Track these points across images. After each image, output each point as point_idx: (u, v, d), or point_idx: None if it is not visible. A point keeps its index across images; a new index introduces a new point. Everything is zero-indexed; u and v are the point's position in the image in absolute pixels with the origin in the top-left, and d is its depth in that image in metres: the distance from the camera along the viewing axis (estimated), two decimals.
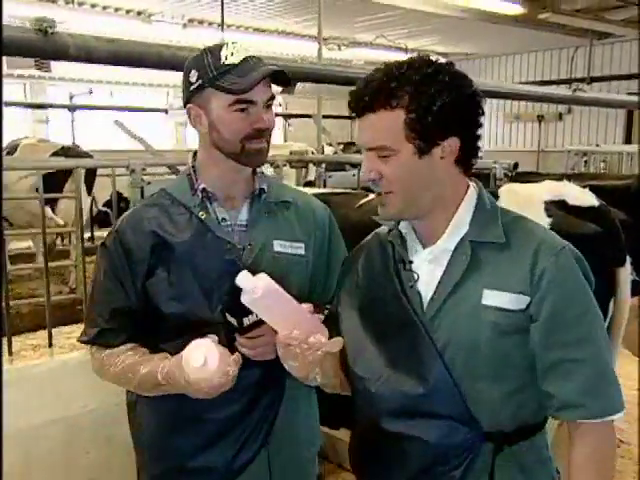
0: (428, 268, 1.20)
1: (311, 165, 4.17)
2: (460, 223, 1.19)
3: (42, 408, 2.39)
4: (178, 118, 11.31)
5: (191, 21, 8.52)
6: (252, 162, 1.41)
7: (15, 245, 5.47)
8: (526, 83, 9.28)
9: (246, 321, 1.27)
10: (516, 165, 3.38)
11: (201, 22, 8.58)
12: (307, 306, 1.24)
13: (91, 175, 5.29)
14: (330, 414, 1.66)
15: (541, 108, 11.01)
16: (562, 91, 5.61)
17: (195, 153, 1.48)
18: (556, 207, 2.16)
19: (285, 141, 10.26)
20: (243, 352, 1.30)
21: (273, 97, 1.38)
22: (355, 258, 1.35)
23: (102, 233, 5.09)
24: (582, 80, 7.62)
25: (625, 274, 2.10)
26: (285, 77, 1.38)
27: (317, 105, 4.38)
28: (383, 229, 1.32)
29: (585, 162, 6.93)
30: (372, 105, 1.12)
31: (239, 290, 1.19)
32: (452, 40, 10.37)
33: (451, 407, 1.15)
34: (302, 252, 1.47)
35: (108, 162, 3.22)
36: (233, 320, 1.29)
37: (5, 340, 2.69)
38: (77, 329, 2.68)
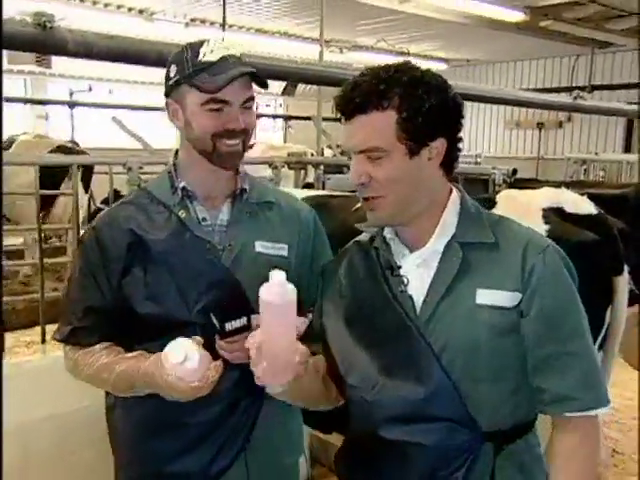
0: (417, 272, 1.19)
1: (310, 167, 4.17)
2: (447, 225, 1.20)
3: (36, 405, 2.37)
4: None
5: (193, 20, 8.53)
6: (224, 162, 1.37)
7: (10, 241, 5.45)
8: (527, 90, 9.29)
9: (228, 326, 1.23)
10: (515, 171, 3.39)
11: (203, 21, 8.58)
12: (300, 321, 1.21)
13: (88, 173, 5.28)
14: (322, 418, 1.65)
15: (541, 115, 11.04)
16: (563, 99, 5.62)
17: (177, 151, 1.46)
18: (554, 214, 2.15)
19: (285, 143, 10.25)
20: (221, 354, 1.27)
21: (252, 98, 1.36)
22: (336, 267, 1.34)
23: None
24: (583, 88, 7.64)
25: (623, 283, 2.10)
26: (260, 79, 1.35)
27: (317, 107, 4.38)
28: (364, 236, 1.32)
29: (585, 170, 6.94)
30: (363, 106, 1.12)
31: (226, 292, 1.17)
32: (453, 46, 10.39)
33: (451, 409, 1.15)
34: (284, 254, 1.44)
35: (105, 160, 3.21)
36: (216, 322, 1.25)
37: None
38: None
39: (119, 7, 7.87)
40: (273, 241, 1.43)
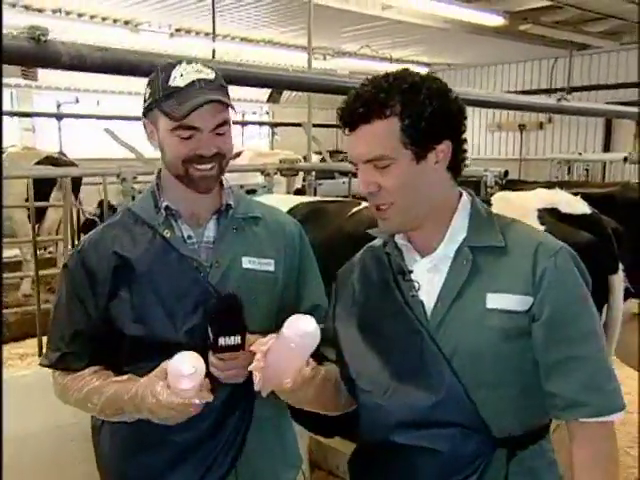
0: (428, 276, 1.20)
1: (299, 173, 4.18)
2: (457, 229, 1.20)
3: (31, 418, 2.35)
4: None
5: (178, 30, 8.53)
6: (197, 187, 1.34)
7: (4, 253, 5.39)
8: (507, 92, 9.43)
9: (221, 341, 1.21)
10: (506, 173, 3.43)
11: (188, 31, 8.59)
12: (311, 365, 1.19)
13: (76, 184, 5.24)
14: (324, 423, 1.65)
15: (522, 117, 11.19)
16: (547, 100, 5.72)
17: (160, 170, 1.43)
18: (549, 215, 2.17)
19: (272, 149, 10.26)
20: (212, 372, 1.25)
21: (225, 122, 1.32)
22: (349, 273, 1.35)
23: None
24: (562, 90, 7.79)
25: (618, 281, 2.12)
26: (227, 104, 1.31)
27: (307, 113, 4.41)
28: (376, 242, 1.33)
29: (569, 169, 7.06)
30: (366, 116, 1.13)
31: (224, 307, 1.18)
32: (435, 51, 10.50)
33: (462, 415, 1.15)
34: (271, 269, 1.42)
35: (96, 171, 3.18)
36: (211, 335, 1.23)
37: None
38: None
39: (104, 19, 7.87)
40: (260, 256, 1.42)
